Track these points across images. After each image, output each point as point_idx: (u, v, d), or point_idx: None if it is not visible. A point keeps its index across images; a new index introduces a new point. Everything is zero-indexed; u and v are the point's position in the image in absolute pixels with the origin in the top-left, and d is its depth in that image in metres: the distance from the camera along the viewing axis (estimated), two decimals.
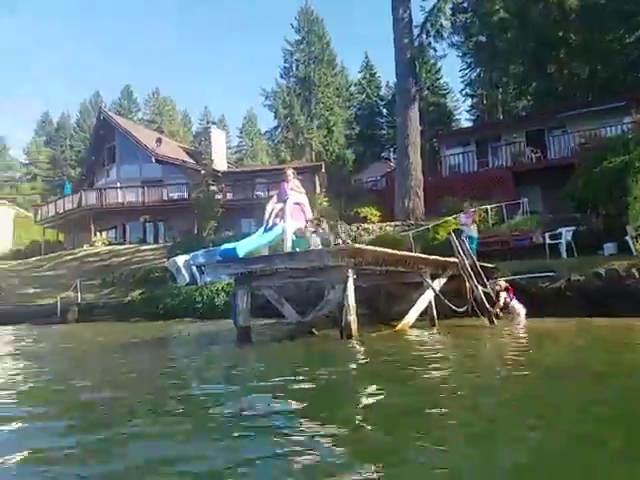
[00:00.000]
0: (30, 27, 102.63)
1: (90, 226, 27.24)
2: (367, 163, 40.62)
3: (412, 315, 7.77)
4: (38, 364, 5.99)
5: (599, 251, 11.01)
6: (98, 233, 27.35)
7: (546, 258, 11.09)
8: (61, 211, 28.84)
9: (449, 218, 16.06)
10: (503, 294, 8.72)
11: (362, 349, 5.77)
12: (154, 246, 24.34)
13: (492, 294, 8.64)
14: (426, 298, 8.19)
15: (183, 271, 8.76)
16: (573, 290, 8.70)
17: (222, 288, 14.62)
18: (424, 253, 9.96)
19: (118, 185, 28.91)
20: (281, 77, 47.66)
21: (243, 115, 65.57)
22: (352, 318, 6.42)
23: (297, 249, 8.45)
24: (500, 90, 36.84)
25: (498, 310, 8.52)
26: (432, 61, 41.87)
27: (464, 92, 43.91)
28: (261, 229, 8.49)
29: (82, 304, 18.15)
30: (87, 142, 44.15)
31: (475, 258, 9.13)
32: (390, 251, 7.25)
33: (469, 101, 46.14)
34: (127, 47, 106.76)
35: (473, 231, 11.97)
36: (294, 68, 47.03)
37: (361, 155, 45.19)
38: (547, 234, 11.78)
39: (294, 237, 8.70)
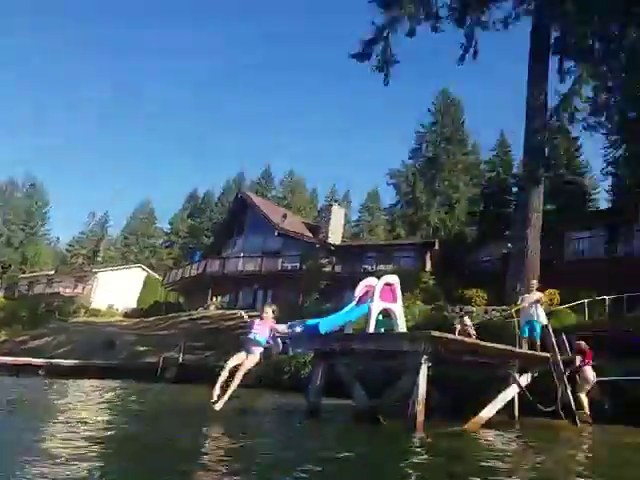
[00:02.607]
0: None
1: (208, 290, 29.27)
2: (488, 242, 38.88)
3: (487, 412, 7.10)
4: None
5: None
6: (214, 297, 29.14)
7: None
8: (187, 276, 31.55)
9: (561, 307, 14.67)
10: (578, 357, 8.44)
11: (420, 446, 5.40)
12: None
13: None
14: (508, 394, 7.50)
15: (278, 340, 9.07)
16: None
17: (310, 361, 14.57)
18: (530, 343, 9.37)
19: (241, 255, 31.13)
20: (409, 158, 48.31)
21: (367, 192, 67.72)
22: (420, 409, 6.06)
23: (382, 329, 8.36)
24: None
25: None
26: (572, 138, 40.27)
27: (605, 171, 40.62)
28: (350, 305, 8.53)
29: (181, 364, 18.87)
30: (224, 215, 47.50)
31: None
32: (472, 341, 6.85)
33: (609, 181, 42.54)
34: (267, 130, 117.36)
35: (540, 314, 10.05)
36: (423, 149, 47.50)
37: (483, 233, 43.35)
38: None
39: (380, 317, 8.61)
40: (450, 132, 46.42)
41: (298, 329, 8.71)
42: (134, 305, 36.96)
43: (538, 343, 9.28)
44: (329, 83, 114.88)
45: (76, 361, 20.21)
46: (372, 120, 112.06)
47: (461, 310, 17.04)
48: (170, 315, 28.40)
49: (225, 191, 68.03)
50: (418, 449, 5.25)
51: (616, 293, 14.58)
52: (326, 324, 7.96)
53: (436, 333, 6.62)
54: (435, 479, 3.80)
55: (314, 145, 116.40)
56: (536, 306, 9.95)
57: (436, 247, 30.00)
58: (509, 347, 8.11)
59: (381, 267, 26.32)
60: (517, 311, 10.21)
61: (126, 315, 34.05)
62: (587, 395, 8.23)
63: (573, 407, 7.65)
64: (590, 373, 8.33)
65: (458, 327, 9.90)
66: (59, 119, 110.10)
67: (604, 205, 40.43)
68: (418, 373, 6.18)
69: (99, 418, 6.62)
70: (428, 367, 6.43)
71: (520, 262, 18.68)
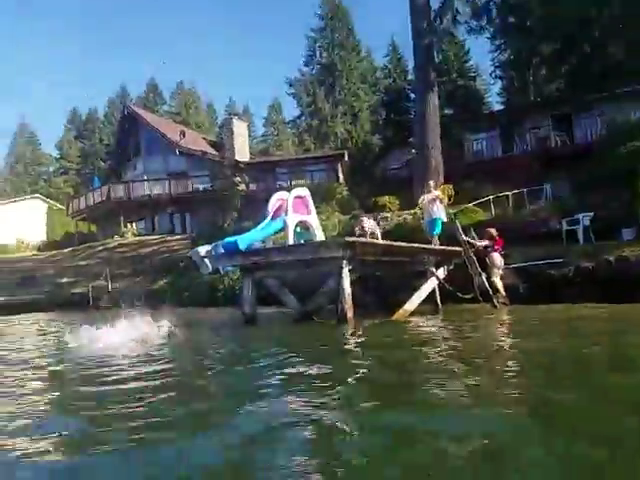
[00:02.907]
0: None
1: (119, 218, 28.09)
2: (393, 150, 40.11)
3: (411, 304, 7.82)
4: None
5: (618, 237, 10.72)
6: (128, 224, 28.19)
7: (563, 244, 10.87)
8: (91, 204, 29.87)
9: (468, 205, 15.85)
10: (486, 242, 9.20)
11: (349, 333, 5.92)
12: (181, 236, 24.89)
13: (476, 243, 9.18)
14: (428, 286, 8.23)
15: (206, 261, 9.05)
16: (582, 277, 8.54)
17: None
18: (447, 239, 10.02)
19: (145, 178, 29.60)
20: (305, 65, 47.31)
21: (268, 104, 65.55)
22: (347, 306, 6.56)
23: (302, 241, 8.63)
24: (531, 72, 35.68)
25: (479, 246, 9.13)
26: (460, 43, 41.33)
27: (494, 74, 42.64)
28: (265, 221, 8.63)
29: (112, 292, 18.83)
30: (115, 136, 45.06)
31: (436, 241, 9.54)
32: (385, 242, 7.31)
33: (499, 84, 44.84)
34: (150, 39, 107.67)
35: (439, 212, 10.24)
36: (317, 55, 46.67)
37: (388, 141, 44.51)
38: (564, 220, 11.50)
39: (298, 230, 8.86)
40: (342, 38, 45.73)
41: (221, 249, 8.78)
42: (44, 238, 35.72)
43: (436, 239, 9.79)
44: None
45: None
46: (259, 28, 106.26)
47: (376, 217, 17.89)
48: (85, 245, 27.60)
49: (110, 108, 63.10)
50: (351, 338, 5.76)
51: (516, 189, 15.89)
52: (244, 241, 8.08)
53: (350, 238, 7.03)
54: (370, 361, 4.22)
55: (200, 54, 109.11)
56: (435, 204, 10.11)
57: (346, 158, 30.44)
58: (421, 245, 8.73)
59: (296, 182, 26.38)
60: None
61: (39, 249, 32.66)
62: (501, 279, 9.10)
63: (490, 292, 8.46)
64: (497, 259, 9.13)
65: (357, 230, 9.57)
66: None
67: (498, 107, 42.68)
68: (341, 276, 6.58)
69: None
70: (349, 270, 6.86)
71: (423, 166, 19.60)
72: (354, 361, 4.25)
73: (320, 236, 8.84)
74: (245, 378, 3.77)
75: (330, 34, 45.97)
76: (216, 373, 4.05)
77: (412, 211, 18.56)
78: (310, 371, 3.70)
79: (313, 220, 8.81)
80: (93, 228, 33.31)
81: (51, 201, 42.50)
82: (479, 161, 22.26)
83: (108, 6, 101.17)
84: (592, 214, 11.53)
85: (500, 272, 9.08)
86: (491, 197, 15.29)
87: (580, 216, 11.40)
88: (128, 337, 5.66)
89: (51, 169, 65.13)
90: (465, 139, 24.57)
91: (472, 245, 8.98)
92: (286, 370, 3.76)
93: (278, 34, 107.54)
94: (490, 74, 43.45)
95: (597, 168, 13.67)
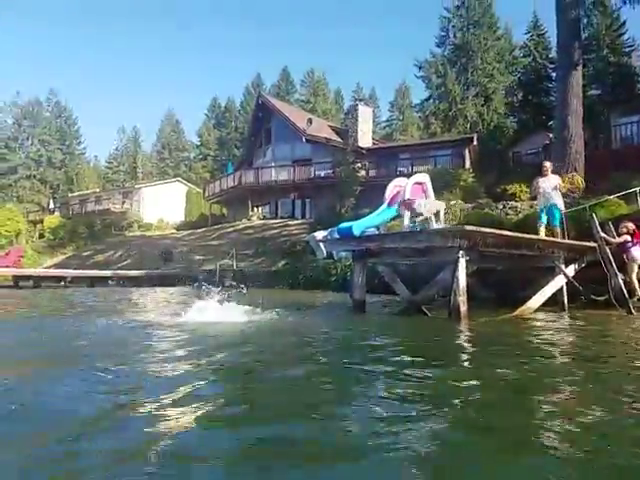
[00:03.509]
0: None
1: (248, 202, 29.91)
2: (529, 133, 37.10)
3: (535, 301, 7.20)
4: None
5: None
6: (255, 208, 29.96)
7: None
8: (224, 188, 32.28)
9: (610, 197, 14.12)
10: (626, 236, 8.23)
11: (464, 329, 5.59)
12: (300, 221, 25.82)
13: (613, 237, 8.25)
14: (555, 284, 7.51)
15: (322, 246, 9.28)
16: None
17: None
18: (579, 235, 9.11)
19: (272, 164, 31.07)
20: (437, 46, 45.36)
21: (395, 88, 64.56)
22: (461, 300, 6.23)
23: (418, 228, 8.39)
24: None
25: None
26: (614, 15, 36.65)
27: None
28: (381, 207, 8.54)
29: (236, 271, 20.26)
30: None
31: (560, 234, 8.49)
32: (509, 233, 6.77)
33: None
34: (283, 27, 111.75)
35: (557, 199, 9.19)
36: (451, 35, 44.57)
37: (524, 125, 41.25)
38: None
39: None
40: (478, 15, 42.96)
41: (335, 235, 8.88)
42: (182, 218, 39.27)
43: (558, 231, 8.90)
44: None
45: (141, 271, 22.13)
46: (390, 6, 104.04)
47: (504, 207, 16.75)
48: (217, 226, 29.97)
49: (246, 97, 66.61)
50: (463, 334, 5.45)
51: None
52: (359, 227, 8.07)
53: (469, 227, 6.57)
54: (479, 358, 3.93)
55: (329, 38, 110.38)
56: (554, 191, 9.15)
57: (474, 142, 28.92)
58: (550, 238, 7.99)
59: (418, 168, 25.75)
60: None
61: (177, 228, 36.03)
62: (638, 277, 8.10)
63: (627, 295, 7.52)
64: (638, 253, 8.16)
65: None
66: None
67: None
68: (456, 267, 6.25)
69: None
70: (467, 261, 6.47)
71: (563, 151, 17.86)
72: (462, 363, 3.92)
73: (439, 223, 8.50)
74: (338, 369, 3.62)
75: (465, 12, 43.59)
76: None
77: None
78: (404, 371, 3.34)
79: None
80: (225, 211, 36.05)
81: (190, 185, 46.46)
82: (628, 147, 19.65)
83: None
84: None
85: (637, 268, 8.05)
86: (638, 189, 13.42)
87: None
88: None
89: (192, 155, 71.29)
90: (613, 123, 21.85)
91: (608, 242, 8.00)
92: (375, 367, 3.50)
93: (411, 17, 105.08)
94: None
95: None
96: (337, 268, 16.05)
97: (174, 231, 34.44)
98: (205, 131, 68.46)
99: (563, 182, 9.42)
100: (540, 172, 9.61)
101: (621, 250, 8.18)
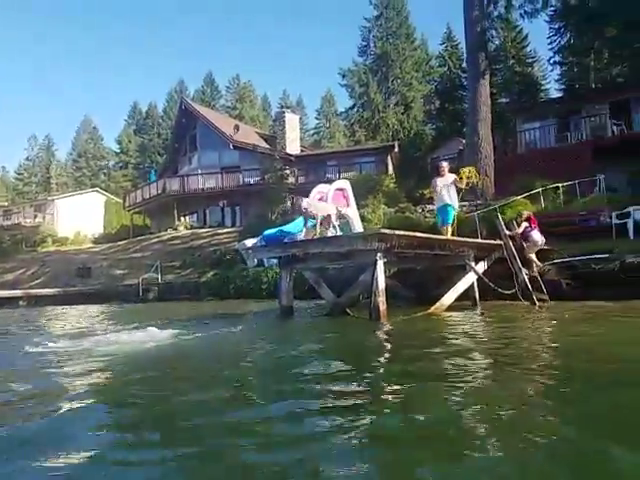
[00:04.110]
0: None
1: (173, 211, 29.19)
2: (446, 140, 39.24)
3: (448, 298, 7.78)
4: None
5: None
6: (182, 217, 29.28)
7: (612, 239, 10.38)
8: (147, 197, 31.13)
9: (517, 198, 15.34)
10: (524, 223, 9.20)
11: (381, 328, 6.00)
12: (230, 229, 25.59)
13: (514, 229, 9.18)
14: (466, 281, 8.14)
15: (251, 254, 9.41)
16: (627, 273, 8.17)
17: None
18: (490, 234, 9.79)
19: (199, 172, 30.57)
20: (359, 55, 47.07)
21: (321, 96, 65.76)
22: (381, 300, 6.63)
23: (340, 232, 8.77)
24: (592, 57, 33.74)
25: (517, 236, 9.13)
26: (517, 28, 39.71)
27: (553, 60, 40.61)
28: (299, 219, 8.84)
29: (161, 284, 19.67)
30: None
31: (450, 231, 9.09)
32: (422, 235, 7.29)
33: (558, 69, 42.66)
34: (207, 34, 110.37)
35: (452, 199, 9.33)
36: (371, 45, 46.31)
37: (441, 131, 43.59)
38: (614, 214, 10.96)
39: (337, 222, 9.00)
40: (396, 26, 45.17)
41: (261, 242, 9.09)
42: (100, 230, 37.38)
43: (449, 229, 9.12)
44: None
45: (57, 289, 20.70)
46: (314, 17, 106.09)
47: (423, 210, 17.69)
48: (140, 238, 28.73)
49: (169, 103, 65.16)
50: (381, 331, 5.85)
51: (569, 180, 15.20)
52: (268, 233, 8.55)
53: (385, 230, 7.03)
54: (393, 354, 4.30)
55: (255, 47, 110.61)
56: (449, 189, 9.23)
57: (395, 150, 30.18)
58: (459, 238, 8.64)
59: (344, 174, 26.49)
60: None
61: (96, 241, 34.28)
62: (542, 274, 8.90)
63: (530, 289, 8.25)
64: (537, 235, 9.14)
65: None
66: None
67: (557, 95, 40.77)
68: (375, 268, 6.64)
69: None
70: (386, 262, 6.90)
71: (474, 156, 19.12)
72: (373, 357, 4.30)
73: (359, 228, 8.95)
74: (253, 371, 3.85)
75: (384, 22, 45.50)
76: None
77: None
78: (319, 368, 3.71)
79: (352, 212, 8.92)
80: (148, 221, 34.75)
81: (108, 194, 44.44)
82: (532, 151, 21.41)
83: (166, 4, 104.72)
84: None
85: (536, 249, 9.12)
86: (540, 189, 14.73)
87: (631, 209, 10.85)
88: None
89: (111, 163, 68.28)
90: (519, 129, 23.70)
91: (513, 237, 8.86)
92: (294, 366, 3.78)
93: (334, 25, 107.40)
94: (548, 60, 41.42)
95: None
96: (268, 276, 16.12)
97: (92, 245, 32.76)
98: (125, 137, 65.96)
99: (459, 176, 9.47)
100: (437, 172, 9.76)
101: (523, 238, 9.05)
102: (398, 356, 4.26)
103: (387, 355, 4.39)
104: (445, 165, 9.74)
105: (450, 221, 9.23)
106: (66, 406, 2.72)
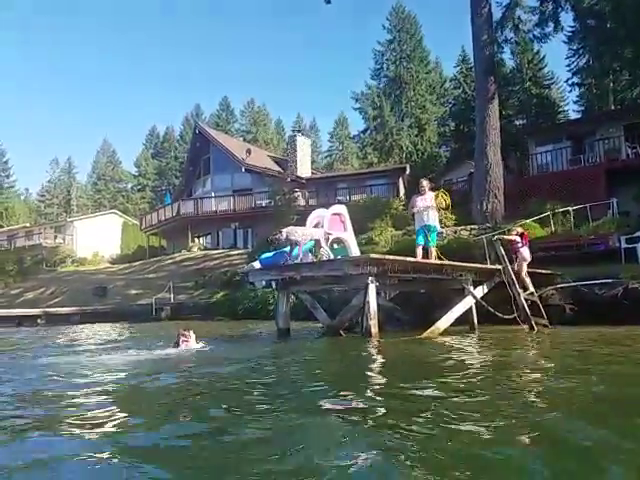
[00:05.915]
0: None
1: (188, 232, 29.64)
2: (460, 162, 39.12)
3: (443, 322, 7.67)
4: None
5: None
6: (195, 239, 29.70)
7: (621, 263, 10.18)
8: (163, 219, 31.81)
9: (527, 221, 15.20)
10: (517, 237, 9.14)
11: (370, 351, 5.95)
12: (242, 251, 25.82)
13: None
14: (464, 305, 8.03)
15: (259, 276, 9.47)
16: (630, 298, 7.97)
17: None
18: (498, 258, 9.63)
19: (212, 195, 31.06)
20: (372, 79, 47.56)
21: (335, 119, 66.50)
22: (372, 322, 6.62)
23: (339, 256, 8.77)
24: (611, 78, 33.47)
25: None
26: (535, 50, 39.81)
27: (571, 82, 40.32)
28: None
29: (174, 304, 19.96)
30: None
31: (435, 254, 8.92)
32: (413, 260, 7.26)
33: (577, 91, 42.36)
34: (225, 59, 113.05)
35: (433, 219, 9.16)
36: (385, 68, 46.82)
37: (455, 153, 43.49)
38: (623, 238, 10.77)
39: (335, 246, 9.02)
40: (409, 49, 45.60)
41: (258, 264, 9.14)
42: (118, 251, 38.15)
43: (433, 251, 8.87)
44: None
45: (74, 308, 21.08)
46: (329, 41, 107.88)
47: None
48: (155, 259, 29.31)
49: (185, 127, 66.40)
50: (372, 352, 5.80)
51: (581, 204, 14.97)
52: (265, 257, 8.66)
53: (375, 255, 7.02)
54: (376, 378, 4.23)
55: (272, 70, 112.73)
56: (428, 209, 9.00)
57: (407, 172, 30.20)
58: (455, 263, 8.48)
59: (355, 197, 26.63)
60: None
61: (113, 262, 34.93)
62: (543, 299, 8.80)
63: (529, 313, 8.14)
64: (527, 253, 9.01)
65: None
66: None
67: (575, 116, 40.55)
68: (367, 292, 6.65)
69: None
70: (385, 285, 6.86)
71: (483, 180, 19.05)
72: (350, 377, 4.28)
73: (355, 252, 8.95)
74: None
75: (398, 46, 46.05)
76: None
77: (469, 227, 18.08)
78: (303, 389, 3.76)
79: (348, 237, 8.94)
80: (163, 242, 35.41)
81: (126, 216, 45.49)
82: (543, 175, 21.23)
83: (183, 25, 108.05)
84: None
85: (525, 264, 8.96)
86: (550, 213, 14.58)
87: None
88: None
89: (129, 186, 69.79)
90: (532, 151, 23.57)
91: (501, 240, 8.92)
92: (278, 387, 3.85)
93: (349, 50, 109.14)
94: (566, 81, 41.21)
95: None
96: (275, 297, 16.23)
97: (109, 265, 33.45)
98: (143, 161, 67.46)
99: (436, 198, 9.20)
100: (417, 190, 9.49)
101: (513, 250, 8.99)
102: (380, 381, 4.18)
103: (369, 378, 4.31)
104: (426, 184, 9.41)
105: (433, 243, 9.07)
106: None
